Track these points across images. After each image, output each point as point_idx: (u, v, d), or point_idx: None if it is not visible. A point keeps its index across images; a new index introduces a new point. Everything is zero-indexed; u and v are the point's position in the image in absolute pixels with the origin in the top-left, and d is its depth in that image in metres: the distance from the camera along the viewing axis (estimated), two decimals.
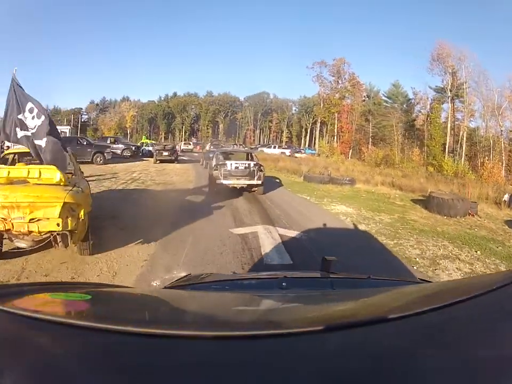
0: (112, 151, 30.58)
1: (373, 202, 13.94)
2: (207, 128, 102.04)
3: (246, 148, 61.89)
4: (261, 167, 13.47)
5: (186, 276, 2.30)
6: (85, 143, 24.70)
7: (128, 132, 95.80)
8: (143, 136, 64.67)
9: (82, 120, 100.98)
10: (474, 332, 0.80)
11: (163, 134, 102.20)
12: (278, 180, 19.28)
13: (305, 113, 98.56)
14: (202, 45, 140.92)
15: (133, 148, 31.65)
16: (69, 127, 34.65)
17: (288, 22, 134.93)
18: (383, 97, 69.10)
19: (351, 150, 60.94)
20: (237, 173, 12.86)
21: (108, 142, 31.59)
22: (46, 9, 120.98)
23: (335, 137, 62.91)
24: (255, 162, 13.58)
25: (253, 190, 13.70)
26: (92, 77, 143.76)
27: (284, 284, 1.67)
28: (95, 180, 15.42)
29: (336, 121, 63.27)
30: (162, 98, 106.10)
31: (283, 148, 57.96)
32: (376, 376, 0.64)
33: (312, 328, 0.79)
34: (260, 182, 13.20)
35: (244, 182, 13.01)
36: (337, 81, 63.90)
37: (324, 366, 0.67)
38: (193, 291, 1.75)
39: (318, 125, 69.23)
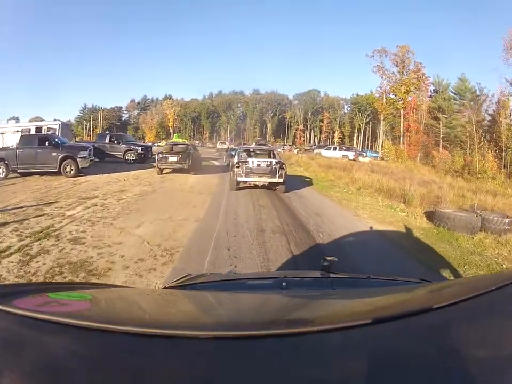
0: (110, 153, 21.86)
1: None
2: (254, 128, 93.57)
3: (296, 149, 53.54)
4: (283, 165, 12.61)
5: (186, 275, 2.03)
6: (47, 143, 15.41)
7: (171, 131, 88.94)
8: (175, 135, 56.22)
9: (123, 119, 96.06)
10: (474, 332, 0.79)
11: (207, 133, 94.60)
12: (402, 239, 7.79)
13: (358, 112, 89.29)
14: (247, 40, 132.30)
15: (139, 150, 22.38)
16: (58, 122, 24.90)
17: (339, 13, 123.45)
18: (450, 93, 56.25)
19: (419, 154, 48.92)
20: (258, 170, 12.21)
21: (106, 140, 22.69)
22: (86, 6, 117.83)
23: (401, 138, 51.04)
24: (277, 160, 12.60)
25: (275, 188, 12.74)
26: (133, 75, 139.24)
27: (283, 284, 1.61)
28: None
29: (402, 119, 51.41)
30: (207, 97, 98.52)
31: (344, 150, 44.76)
32: (376, 376, 0.63)
33: (312, 328, 0.78)
34: (281, 180, 12.31)
35: (265, 179, 12.32)
36: (402, 72, 51.87)
37: (324, 366, 0.66)
38: (193, 291, 1.63)
39: (381, 124, 57.29)
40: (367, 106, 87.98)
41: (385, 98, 53.20)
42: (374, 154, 50.14)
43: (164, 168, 16.71)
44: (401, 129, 51.02)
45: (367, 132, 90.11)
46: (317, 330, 0.75)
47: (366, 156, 44.97)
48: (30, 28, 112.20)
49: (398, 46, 52.03)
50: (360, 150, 58.67)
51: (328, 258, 1.99)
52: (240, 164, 12.37)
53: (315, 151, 45.10)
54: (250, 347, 0.71)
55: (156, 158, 16.80)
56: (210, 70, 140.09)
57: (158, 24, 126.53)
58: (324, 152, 41.63)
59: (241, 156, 13.56)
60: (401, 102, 50.98)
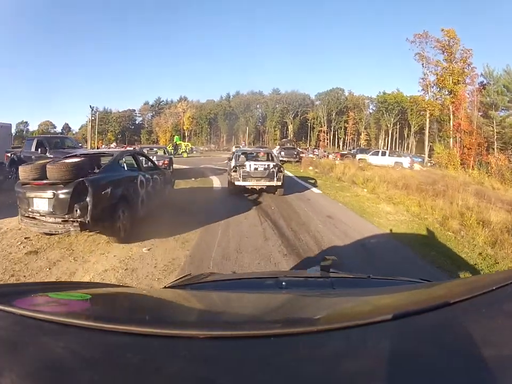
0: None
1: None
2: (274, 130, 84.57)
3: (334, 154, 43.05)
4: (281, 168, 11.17)
5: (186, 275, 2.06)
6: None
7: (186, 134, 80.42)
8: (175, 137, 46.94)
9: (137, 122, 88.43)
10: (474, 331, 0.76)
11: (225, 136, 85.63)
12: None
13: (385, 112, 79.42)
14: (266, 38, 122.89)
15: None
16: None
17: (361, 7, 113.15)
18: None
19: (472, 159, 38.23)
20: (256, 174, 10.90)
21: (32, 148, 13.01)
22: (99, 9, 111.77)
23: (451, 139, 40.37)
24: (274, 163, 11.24)
25: (274, 192, 11.23)
26: (146, 77, 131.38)
27: (283, 283, 1.58)
28: None
29: (451, 116, 40.76)
30: (223, 98, 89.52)
31: (396, 156, 31.59)
32: (376, 376, 0.62)
33: (312, 328, 0.77)
34: (279, 183, 10.92)
35: (263, 183, 10.96)
36: (450, 60, 41.10)
37: (324, 366, 0.65)
38: (193, 291, 1.60)
39: (426, 123, 46.41)
40: (395, 105, 78.65)
41: (429, 91, 42.66)
42: (418, 159, 39.54)
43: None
44: (451, 129, 40.43)
45: (394, 133, 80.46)
46: (316, 330, 0.74)
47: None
48: (42, 32, 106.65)
49: (443, 30, 41.49)
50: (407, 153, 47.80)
51: (328, 257, 1.95)
52: (237, 167, 10.98)
53: (358, 156, 33.28)
54: (251, 347, 0.69)
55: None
56: (227, 70, 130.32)
57: (172, 25, 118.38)
58: (370, 158, 29.85)
59: (238, 159, 12.12)
60: (449, 96, 40.51)
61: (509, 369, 0.63)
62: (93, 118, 40.40)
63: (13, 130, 79.32)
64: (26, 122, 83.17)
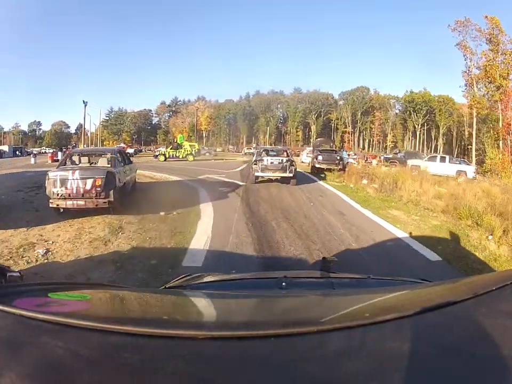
0: None
1: None
2: (297, 131, 79.42)
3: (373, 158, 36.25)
4: (293, 163, 13.14)
5: (186, 275, 1.95)
6: None
7: (204, 135, 76.08)
8: (180, 136, 36.95)
9: (153, 122, 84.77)
10: (474, 331, 0.76)
11: (245, 137, 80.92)
12: None
13: (412, 112, 73.62)
14: (286, 35, 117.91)
15: None
16: None
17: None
18: None
19: None
20: (272, 167, 12.89)
21: None
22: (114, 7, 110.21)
23: (501, 142, 34.19)
24: (287, 158, 13.29)
25: (288, 182, 13.02)
26: (163, 76, 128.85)
27: (283, 283, 1.53)
28: None
29: (500, 115, 34.59)
30: (243, 98, 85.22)
31: (458, 163, 23.87)
32: (376, 376, 0.62)
33: (312, 329, 0.75)
34: (291, 175, 12.88)
35: (278, 174, 13.00)
36: (496, 51, 34.91)
37: (324, 367, 0.64)
38: (193, 291, 1.57)
39: (474, 121, 40.28)
40: (423, 105, 72.87)
41: (475, 86, 36.54)
42: None
43: None
44: (500, 130, 34.22)
45: (421, 135, 74.75)
46: (317, 331, 0.73)
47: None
48: (58, 31, 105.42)
49: (486, 17, 35.25)
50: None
51: (328, 258, 1.93)
52: (257, 161, 13.03)
53: (409, 162, 23.96)
54: (250, 347, 0.69)
55: None
56: (247, 70, 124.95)
57: (190, 24, 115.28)
58: (429, 166, 20.99)
59: (258, 155, 14.05)
60: (498, 92, 34.42)
61: (509, 369, 0.62)
62: (106, 118, 36.03)
63: (25, 130, 76.42)
64: (39, 122, 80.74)
